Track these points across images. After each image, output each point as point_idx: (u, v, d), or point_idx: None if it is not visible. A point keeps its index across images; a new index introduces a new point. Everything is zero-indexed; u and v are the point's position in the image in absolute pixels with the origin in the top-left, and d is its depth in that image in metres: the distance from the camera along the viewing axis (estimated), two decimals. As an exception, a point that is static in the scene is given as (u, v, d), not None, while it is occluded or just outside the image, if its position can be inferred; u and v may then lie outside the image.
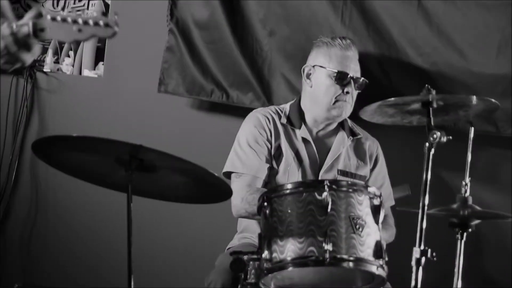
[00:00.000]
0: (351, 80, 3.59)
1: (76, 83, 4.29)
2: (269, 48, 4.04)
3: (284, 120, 3.68)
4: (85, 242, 4.16)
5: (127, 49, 4.22)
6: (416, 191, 2.87)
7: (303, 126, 3.68)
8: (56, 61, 4.32)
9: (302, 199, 2.78)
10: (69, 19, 2.42)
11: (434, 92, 2.96)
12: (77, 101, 4.24)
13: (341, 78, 3.58)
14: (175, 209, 3.82)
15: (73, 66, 4.32)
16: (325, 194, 2.75)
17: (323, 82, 3.62)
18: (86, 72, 4.31)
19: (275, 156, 3.61)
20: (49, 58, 4.31)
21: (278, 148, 3.62)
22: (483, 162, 3.92)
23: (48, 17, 2.42)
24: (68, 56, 4.32)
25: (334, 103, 3.60)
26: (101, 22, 2.43)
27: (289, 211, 2.77)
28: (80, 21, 2.42)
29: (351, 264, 2.71)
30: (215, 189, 2.84)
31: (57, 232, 4.19)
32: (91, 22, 2.42)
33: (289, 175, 3.57)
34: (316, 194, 2.77)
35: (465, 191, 3.07)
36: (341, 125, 3.72)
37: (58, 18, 2.42)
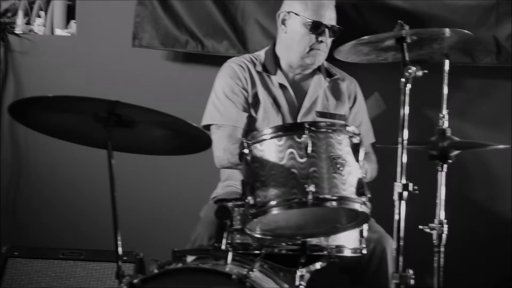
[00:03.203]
0: (326, 29, 3.59)
1: (49, 43, 4.28)
2: (241, -6, 4.04)
3: (259, 68, 3.69)
4: (70, 201, 4.20)
5: (98, 5, 4.20)
6: (395, 127, 2.90)
7: (279, 71, 3.69)
8: (28, 22, 4.29)
9: (282, 143, 2.78)
10: None
11: (407, 27, 2.97)
12: (52, 61, 4.24)
13: (316, 28, 3.58)
14: (156, 162, 3.86)
15: (44, 26, 4.29)
16: (304, 136, 2.75)
17: (297, 30, 3.62)
18: (58, 32, 4.29)
19: (253, 104, 3.63)
20: (20, 19, 4.28)
21: (255, 96, 3.64)
22: (460, 93, 3.95)
23: None
24: (39, 16, 4.30)
25: (308, 52, 3.62)
26: None
27: (270, 156, 2.78)
28: None
29: (334, 203, 2.72)
30: (195, 139, 2.85)
31: (41, 192, 4.22)
32: None
33: (269, 121, 3.60)
34: (295, 137, 2.77)
35: (443, 123, 3.11)
36: (318, 67, 3.74)
37: None
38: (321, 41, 3.59)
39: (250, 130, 3.57)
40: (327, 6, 3.61)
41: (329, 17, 3.61)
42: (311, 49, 3.61)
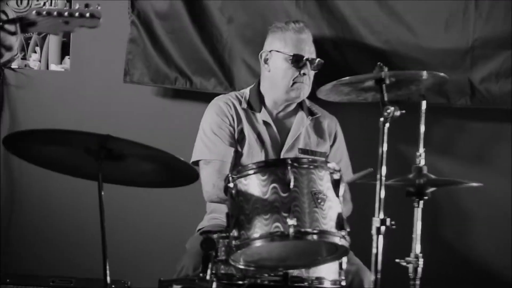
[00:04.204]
0: (307, 62, 3.66)
1: (44, 77, 4.29)
2: (228, 35, 4.08)
3: (244, 105, 3.74)
4: (61, 230, 4.18)
5: (92, 42, 4.23)
6: (374, 164, 2.94)
7: (263, 109, 3.74)
8: (23, 57, 4.31)
9: (266, 178, 2.81)
10: (55, 13, 2.47)
11: (386, 69, 3.03)
12: (46, 95, 4.25)
13: (297, 61, 3.65)
14: (145, 194, 3.87)
15: (40, 61, 4.31)
16: (287, 171, 2.79)
17: (280, 66, 3.68)
18: (53, 67, 4.32)
19: (239, 140, 3.68)
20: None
21: (241, 132, 3.68)
22: (437, 132, 3.99)
23: (34, 12, 2.47)
24: (35, 52, 4.32)
25: (292, 85, 3.68)
26: (87, 14, 2.49)
27: (254, 190, 2.81)
28: (65, 13, 2.47)
29: (315, 236, 2.75)
30: (182, 173, 2.88)
31: (33, 221, 4.20)
32: (77, 14, 2.48)
33: (253, 156, 3.64)
34: (278, 172, 2.81)
35: (420, 161, 3.15)
36: (300, 106, 3.79)
37: (44, 12, 2.47)
38: (304, 74, 3.65)
39: (236, 164, 3.61)
40: (305, 40, 3.69)
41: (309, 51, 3.69)
42: (294, 82, 3.67)
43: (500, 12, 3.88)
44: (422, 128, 3.20)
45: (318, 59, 3.69)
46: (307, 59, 3.66)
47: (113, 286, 2.75)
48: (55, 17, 2.49)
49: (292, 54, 3.64)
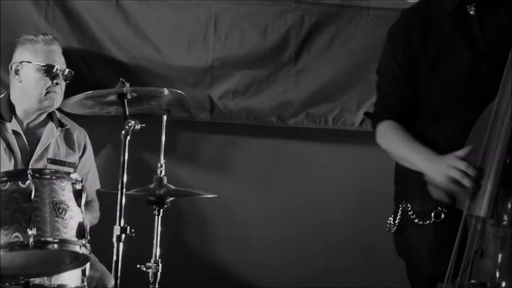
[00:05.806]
0: (59, 72, 3.57)
1: None
2: (-23, 45, 3.87)
3: (-6, 115, 3.56)
4: None
5: None
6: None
7: (13, 119, 3.59)
8: None
9: (7, 188, 2.75)
10: None
11: (128, 84, 3.03)
12: None
13: (49, 71, 3.55)
14: None
15: None
16: (28, 182, 2.75)
17: (32, 76, 3.56)
18: None
19: (-13, 149, 3.49)
20: None
21: (-10, 142, 3.51)
22: (179, 144, 4.04)
23: None
24: None
25: (45, 95, 3.57)
26: None
27: (-6, 200, 2.71)
28: None
29: (55, 246, 2.74)
30: None
31: None
32: None
33: (2, 166, 3.47)
34: (20, 182, 2.76)
35: (161, 172, 3.18)
36: (50, 117, 3.69)
37: None
38: (57, 83, 3.56)
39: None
40: (56, 52, 3.61)
41: (60, 62, 3.61)
42: (47, 92, 3.56)
43: (236, 36, 3.99)
44: (163, 140, 3.23)
45: (69, 70, 3.62)
46: (58, 69, 3.57)
47: None
48: None
49: (44, 64, 3.54)
